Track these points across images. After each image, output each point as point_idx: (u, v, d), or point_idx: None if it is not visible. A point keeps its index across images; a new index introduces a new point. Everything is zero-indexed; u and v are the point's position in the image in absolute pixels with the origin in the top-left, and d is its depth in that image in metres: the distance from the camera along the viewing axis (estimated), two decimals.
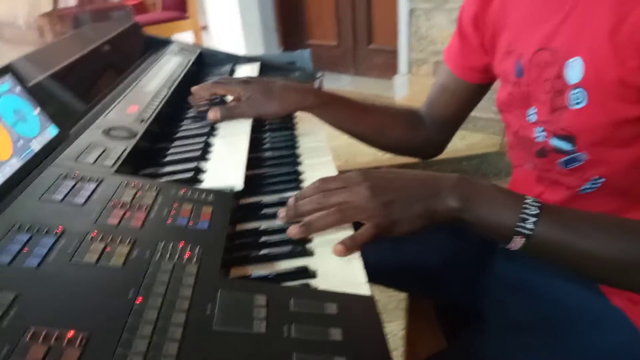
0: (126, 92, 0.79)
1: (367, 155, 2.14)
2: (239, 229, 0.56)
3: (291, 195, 0.61)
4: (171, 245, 0.43)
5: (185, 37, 3.42)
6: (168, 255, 0.41)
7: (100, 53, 0.87)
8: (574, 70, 0.53)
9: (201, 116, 0.78)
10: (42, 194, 0.46)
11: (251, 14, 3.52)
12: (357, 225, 0.54)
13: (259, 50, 3.54)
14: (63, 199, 0.46)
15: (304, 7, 3.48)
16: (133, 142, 0.62)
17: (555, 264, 0.53)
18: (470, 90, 0.78)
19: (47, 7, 1.08)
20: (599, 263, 0.49)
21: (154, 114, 0.71)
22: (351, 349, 0.36)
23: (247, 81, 0.77)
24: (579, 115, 0.54)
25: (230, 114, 0.76)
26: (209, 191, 0.53)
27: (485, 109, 0.87)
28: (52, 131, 0.58)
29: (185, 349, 0.33)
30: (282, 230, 0.55)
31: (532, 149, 0.62)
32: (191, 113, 0.81)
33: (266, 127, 0.83)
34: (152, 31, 1.25)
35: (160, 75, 0.90)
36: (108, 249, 0.41)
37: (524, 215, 0.49)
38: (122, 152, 0.58)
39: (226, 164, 0.64)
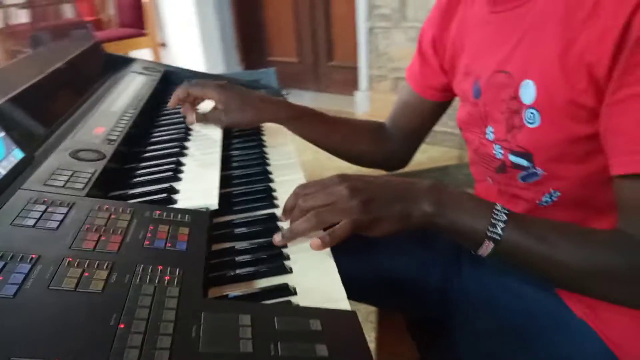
0: (91, 113, 0.78)
1: (331, 169, 2.16)
2: (214, 248, 0.56)
3: (265, 212, 0.61)
4: (150, 268, 0.42)
5: (143, 54, 3.37)
6: (148, 279, 0.41)
7: (62, 74, 0.85)
8: (528, 92, 0.56)
9: (169, 137, 0.77)
10: (13, 220, 0.45)
11: (211, 30, 3.51)
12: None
13: (219, 67, 3.53)
14: (35, 224, 0.45)
15: (264, 24, 3.51)
16: (102, 164, 0.61)
17: (521, 269, 0.56)
18: (431, 108, 0.81)
19: None
20: (562, 269, 0.51)
21: (121, 135, 0.70)
22: None
23: (223, 86, 0.78)
24: (534, 133, 0.57)
25: (204, 119, 0.77)
26: (184, 211, 0.53)
27: (444, 124, 0.91)
28: (17, 155, 0.56)
29: None
30: (258, 249, 0.55)
31: (492, 165, 0.65)
32: (159, 134, 0.81)
33: (235, 144, 0.84)
34: (109, 48, 1.23)
35: (125, 95, 0.89)
36: (86, 274, 0.40)
37: (494, 221, 0.51)
38: (92, 175, 0.57)
39: (199, 183, 0.63)
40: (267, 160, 0.77)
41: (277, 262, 0.52)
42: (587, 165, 0.55)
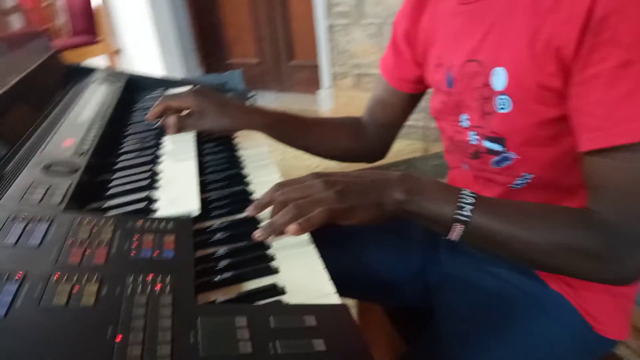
0: (57, 126, 0.76)
1: (301, 169, 2.17)
2: (197, 255, 0.55)
3: (244, 215, 0.62)
4: (140, 278, 0.42)
5: (98, 61, 3.28)
6: (139, 289, 0.41)
7: (23, 87, 0.83)
8: (499, 79, 0.58)
9: (141, 146, 0.77)
10: None
11: (168, 35, 3.46)
12: (316, 234, 0.56)
13: (178, 71, 3.48)
14: (16, 242, 0.44)
15: (222, 26, 3.48)
16: (76, 176, 0.60)
17: (491, 251, 0.58)
18: (405, 99, 0.83)
19: None
20: (531, 248, 0.53)
21: (92, 146, 0.69)
22: (336, 356, 0.37)
23: (199, 92, 0.78)
24: (506, 118, 0.59)
25: (181, 125, 0.77)
26: (167, 219, 0.53)
27: None
28: None
29: None
30: (241, 252, 0.55)
31: (467, 151, 0.67)
32: (130, 143, 0.79)
33: (207, 149, 0.83)
34: (63, 58, 1.19)
35: (90, 105, 0.87)
36: (76, 288, 0.39)
37: (461, 204, 0.54)
38: (68, 189, 0.56)
39: (178, 190, 0.63)
40: (242, 164, 0.77)
41: (262, 264, 0.53)
42: (556, 147, 0.58)
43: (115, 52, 3.62)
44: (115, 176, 0.67)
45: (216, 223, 0.61)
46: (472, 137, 0.65)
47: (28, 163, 0.61)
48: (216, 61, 3.60)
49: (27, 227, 0.46)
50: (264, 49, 3.35)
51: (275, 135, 0.83)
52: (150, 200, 0.60)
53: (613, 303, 0.66)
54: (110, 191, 0.63)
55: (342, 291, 0.89)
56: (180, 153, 0.74)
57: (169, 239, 0.49)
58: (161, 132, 0.83)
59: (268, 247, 0.56)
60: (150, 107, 0.96)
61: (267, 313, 0.41)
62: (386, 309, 0.97)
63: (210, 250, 0.56)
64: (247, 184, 0.70)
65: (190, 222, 0.54)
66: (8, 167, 0.61)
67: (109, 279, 0.41)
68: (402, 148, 2.46)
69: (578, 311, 0.66)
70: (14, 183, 0.55)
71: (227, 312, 0.40)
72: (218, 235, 0.58)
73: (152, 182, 0.64)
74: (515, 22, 0.56)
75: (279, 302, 0.47)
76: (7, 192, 0.53)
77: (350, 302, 1.41)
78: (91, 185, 0.63)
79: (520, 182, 0.64)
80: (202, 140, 0.85)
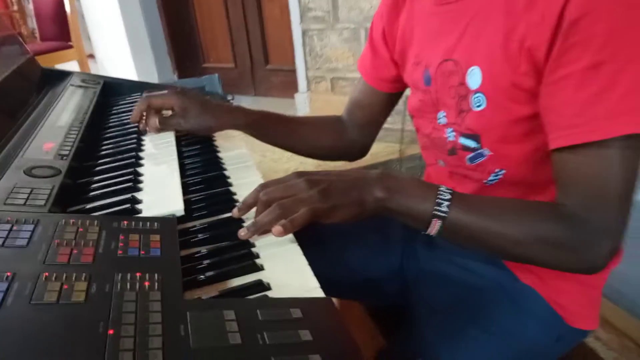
0: (37, 129, 0.76)
1: (280, 172, 2.18)
2: (182, 254, 0.56)
3: (228, 215, 0.63)
4: (128, 275, 0.43)
5: (70, 66, 3.23)
6: (128, 286, 0.42)
7: (1, 91, 0.82)
8: (474, 77, 0.61)
9: (123, 149, 0.77)
10: None
11: (140, 39, 3.43)
12: (298, 234, 0.57)
13: (152, 76, 3.46)
14: (3, 243, 0.44)
15: (197, 31, 3.47)
16: (59, 179, 0.60)
17: (468, 244, 0.61)
18: (384, 99, 0.86)
19: None
20: (505, 241, 0.56)
21: (72, 150, 0.69)
22: (322, 345, 0.39)
23: (182, 93, 0.79)
24: (481, 116, 0.62)
25: (164, 124, 0.78)
26: (151, 219, 0.53)
27: None
28: None
29: None
30: (226, 250, 0.56)
31: (444, 148, 0.70)
32: (110, 146, 0.80)
33: (187, 152, 0.84)
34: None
35: (68, 110, 0.87)
36: (65, 286, 0.40)
37: (439, 200, 0.56)
38: (51, 191, 0.56)
39: (161, 191, 0.64)
40: (223, 165, 0.78)
41: (247, 261, 0.54)
42: (528, 144, 0.61)
43: (88, 57, 3.57)
44: (97, 178, 0.68)
45: (200, 223, 0.62)
46: (449, 134, 0.68)
47: (10, 166, 0.61)
48: (191, 66, 3.58)
49: (13, 229, 0.47)
50: (240, 54, 3.35)
51: (257, 134, 0.84)
52: (134, 202, 0.60)
53: (582, 294, 0.69)
54: (94, 193, 0.63)
55: (323, 291, 0.90)
56: (161, 155, 0.75)
57: (155, 238, 0.50)
58: (141, 135, 0.84)
59: (253, 246, 0.57)
60: (128, 111, 0.97)
61: (254, 307, 0.42)
62: (366, 306, 0.99)
63: (195, 250, 0.57)
64: (229, 185, 0.72)
65: (174, 222, 0.55)
66: None
67: (97, 277, 0.42)
68: (378, 150, 2.50)
69: (548, 303, 0.69)
70: None
71: (216, 306, 0.42)
72: (202, 235, 0.59)
73: (135, 183, 0.65)
74: (490, 23, 0.58)
75: (266, 297, 0.48)
76: None
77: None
78: (74, 188, 0.64)
79: (493, 178, 0.66)
80: (183, 143, 0.86)
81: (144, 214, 0.58)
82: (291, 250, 0.56)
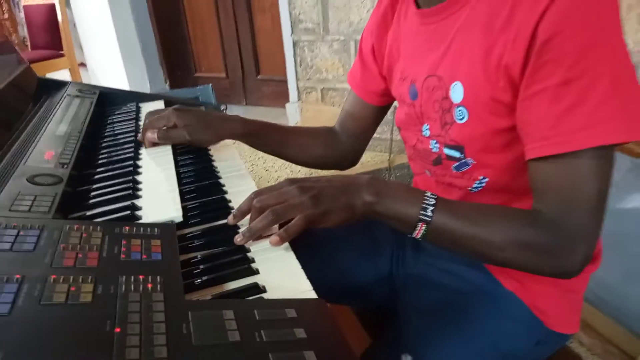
0: (36, 138, 0.78)
1: (271, 180, 2.21)
2: (181, 259, 0.59)
3: (224, 222, 0.65)
4: (132, 278, 0.45)
5: (61, 75, 3.24)
6: (132, 287, 0.44)
7: (1, 100, 0.84)
8: (457, 92, 0.65)
9: (121, 158, 0.79)
10: None
11: (132, 49, 3.44)
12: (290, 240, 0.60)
13: (143, 85, 3.47)
14: (11, 247, 0.46)
15: (188, 40, 3.49)
16: (61, 187, 0.62)
17: (451, 248, 0.63)
18: (373, 111, 0.90)
19: None
20: (484, 244, 0.59)
21: (73, 159, 0.72)
22: (316, 342, 0.41)
23: (181, 109, 0.83)
24: (464, 128, 0.65)
25: (167, 137, 0.82)
26: (152, 225, 0.56)
27: None
28: None
29: None
30: (223, 255, 0.59)
31: (429, 158, 0.73)
32: (107, 155, 0.82)
33: (182, 161, 0.86)
34: None
35: (66, 119, 0.89)
36: (73, 288, 0.42)
37: (425, 205, 0.59)
38: (54, 198, 0.59)
39: (160, 198, 0.66)
40: (218, 173, 0.81)
41: (243, 265, 0.57)
42: (508, 153, 0.64)
43: (79, 66, 3.57)
44: (97, 186, 0.70)
45: (197, 229, 0.64)
46: (434, 146, 0.71)
47: (13, 174, 0.63)
48: (183, 75, 3.60)
49: (20, 234, 0.49)
50: (231, 63, 3.38)
51: (255, 142, 0.88)
52: (134, 209, 0.63)
53: (562, 298, 0.72)
54: (95, 200, 0.65)
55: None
56: (158, 164, 0.77)
57: (155, 243, 0.53)
58: (138, 145, 0.86)
59: (248, 251, 0.59)
60: (124, 121, 1.00)
61: (251, 307, 0.45)
62: (355, 309, 1.01)
63: (192, 255, 0.59)
64: (224, 192, 0.74)
65: (174, 227, 0.58)
66: None
67: (103, 279, 0.44)
68: (368, 160, 2.53)
69: (529, 308, 0.71)
70: (2, 193, 0.57)
71: (215, 306, 0.44)
72: (199, 241, 0.62)
73: (134, 191, 0.67)
74: (471, 42, 0.62)
75: (262, 298, 0.51)
76: None
77: None
78: (76, 195, 0.66)
79: (477, 185, 0.70)
80: (179, 152, 0.88)
81: (143, 221, 0.61)
82: (285, 255, 0.59)
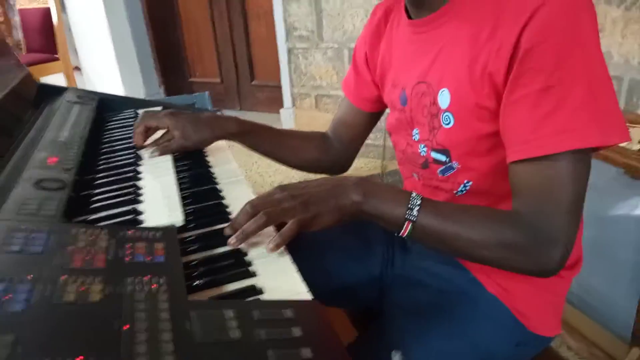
0: (39, 144, 0.80)
1: (266, 186, 2.23)
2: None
3: (221, 226, 0.68)
4: (138, 279, 0.48)
5: (55, 79, 3.25)
6: (138, 288, 0.47)
7: (4, 106, 0.86)
8: (444, 98, 0.68)
9: (122, 163, 0.82)
10: None
11: (127, 53, 3.46)
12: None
13: (138, 90, 3.48)
14: (21, 250, 0.49)
15: (183, 46, 3.51)
16: (67, 191, 0.64)
17: (435, 247, 0.66)
18: (366, 117, 0.93)
19: None
20: (466, 242, 0.61)
21: (76, 163, 0.74)
22: (311, 340, 0.44)
23: (174, 113, 0.85)
24: (450, 133, 0.69)
25: (166, 151, 0.84)
26: (155, 229, 0.58)
27: None
28: None
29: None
30: (221, 258, 0.61)
31: (418, 162, 0.77)
32: (108, 160, 0.84)
33: (180, 167, 0.88)
34: None
35: (67, 125, 0.91)
36: (82, 288, 0.45)
37: (411, 205, 0.62)
38: (60, 202, 0.61)
39: (161, 203, 0.69)
40: (215, 179, 0.83)
41: (241, 268, 0.59)
42: (492, 157, 0.68)
43: (74, 70, 3.58)
44: (99, 191, 0.72)
45: (196, 233, 0.67)
46: (422, 149, 0.75)
47: (19, 179, 0.65)
48: (178, 81, 3.63)
49: (29, 237, 0.51)
50: (226, 69, 3.41)
51: (248, 143, 0.90)
52: (136, 213, 0.65)
53: (543, 302, 0.75)
54: (98, 204, 0.68)
55: None
56: (159, 169, 0.79)
57: (159, 246, 0.55)
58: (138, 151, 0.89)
59: (246, 254, 0.62)
60: (124, 126, 1.02)
61: (251, 307, 0.47)
62: (345, 310, 1.03)
63: (192, 258, 0.62)
64: (221, 197, 0.77)
65: (175, 231, 0.60)
66: None
67: (110, 280, 0.47)
68: (361, 166, 2.57)
69: (511, 311, 0.74)
70: (10, 197, 0.59)
71: (217, 306, 0.47)
72: (198, 244, 0.64)
73: (136, 196, 0.69)
74: (458, 50, 0.66)
75: (259, 299, 0.53)
76: (4, 206, 0.57)
77: None
78: (80, 199, 0.68)
79: (462, 189, 0.73)
80: (177, 157, 0.90)
81: (145, 225, 0.63)
82: (281, 258, 0.61)
